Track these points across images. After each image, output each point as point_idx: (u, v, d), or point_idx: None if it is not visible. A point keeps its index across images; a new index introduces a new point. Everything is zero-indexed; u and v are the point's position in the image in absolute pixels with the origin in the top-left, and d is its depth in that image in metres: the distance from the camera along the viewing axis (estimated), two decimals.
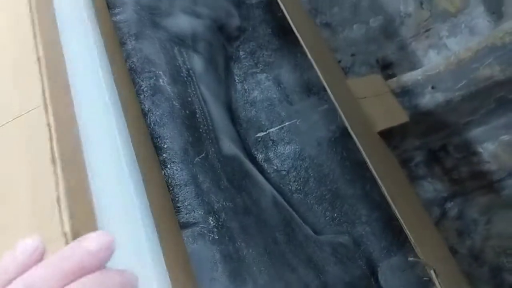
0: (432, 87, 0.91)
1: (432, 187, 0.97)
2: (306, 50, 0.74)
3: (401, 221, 0.59)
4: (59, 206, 0.39)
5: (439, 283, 0.55)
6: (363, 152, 0.64)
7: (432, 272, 0.57)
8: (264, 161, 0.85)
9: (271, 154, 0.86)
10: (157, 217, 0.52)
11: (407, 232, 0.59)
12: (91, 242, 0.28)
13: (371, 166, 0.63)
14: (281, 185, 0.81)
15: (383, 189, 0.62)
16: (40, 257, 0.29)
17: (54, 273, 0.27)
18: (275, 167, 0.84)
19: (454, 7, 1.17)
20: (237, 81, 0.94)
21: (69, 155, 0.46)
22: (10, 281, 0.28)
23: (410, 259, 0.61)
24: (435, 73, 0.93)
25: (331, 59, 0.97)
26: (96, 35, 0.67)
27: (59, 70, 0.59)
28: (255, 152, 0.85)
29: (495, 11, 1.11)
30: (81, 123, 0.55)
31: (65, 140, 0.49)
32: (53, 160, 0.44)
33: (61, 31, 0.64)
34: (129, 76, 0.67)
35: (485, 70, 0.91)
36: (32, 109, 0.56)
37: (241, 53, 0.97)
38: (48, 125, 0.49)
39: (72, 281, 0.27)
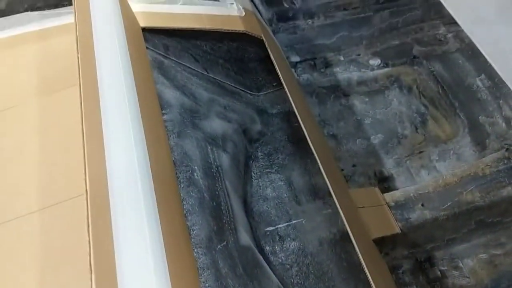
0: (422, 205, 1.05)
1: None
2: (318, 160, 0.88)
3: None
4: None
5: None
6: (360, 256, 0.76)
7: None
8: (270, 254, 0.96)
9: (277, 248, 0.97)
10: None
11: None
12: None
13: (366, 270, 0.75)
14: (284, 278, 0.92)
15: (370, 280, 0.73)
16: None
17: None
18: (280, 260, 0.95)
19: (445, 135, 1.35)
20: (253, 177, 1.07)
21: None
22: None
23: None
24: (425, 193, 1.07)
25: (336, 169, 1.12)
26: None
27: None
28: (264, 244, 0.97)
29: (480, 142, 1.29)
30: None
31: None
32: None
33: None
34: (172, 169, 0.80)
35: (468, 195, 1.06)
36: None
37: (260, 153, 1.11)
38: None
39: None
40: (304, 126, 1.04)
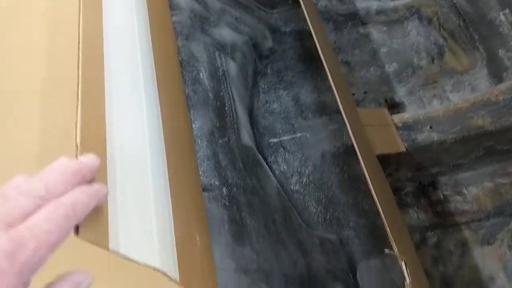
0: (430, 127, 1.04)
1: (416, 216, 1.07)
2: (329, 75, 0.87)
3: (385, 223, 0.70)
4: None
5: (407, 273, 0.66)
6: (363, 166, 0.76)
7: (402, 263, 0.68)
8: (272, 163, 0.97)
9: (279, 158, 0.97)
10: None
11: (388, 231, 0.70)
12: (81, 157, 0.37)
13: (368, 178, 0.75)
14: (284, 185, 0.93)
15: (375, 199, 0.74)
16: None
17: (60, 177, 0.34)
18: (282, 169, 0.96)
19: (462, 67, 1.31)
20: (261, 92, 1.07)
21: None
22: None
23: (386, 250, 0.71)
24: (434, 116, 1.06)
25: (347, 89, 1.10)
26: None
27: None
28: (267, 154, 0.97)
29: (497, 75, 1.25)
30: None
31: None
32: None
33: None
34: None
35: (478, 120, 1.04)
36: None
37: (269, 70, 1.11)
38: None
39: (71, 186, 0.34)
40: (319, 44, 1.02)
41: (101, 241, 0.37)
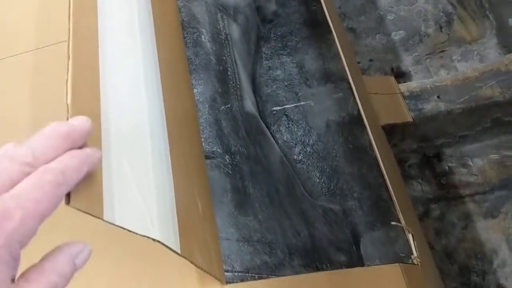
0: (438, 96, 1.01)
1: (420, 187, 1.05)
2: (336, 41, 0.83)
3: (393, 196, 0.68)
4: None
5: (414, 246, 0.64)
6: (371, 137, 0.73)
7: (410, 236, 0.66)
8: (275, 132, 0.94)
9: (282, 127, 0.94)
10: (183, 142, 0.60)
11: (396, 204, 0.68)
12: (71, 119, 0.33)
13: (375, 150, 0.72)
14: (287, 154, 0.90)
15: (383, 171, 0.71)
16: None
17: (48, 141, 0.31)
18: (285, 139, 0.93)
19: (471, 36, 1.27)
20: (264, 58, 1.03)
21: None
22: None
23: (392, 223, 0.69)
24: (442, 85, 1.02)
25: (353, 56, 1.07)
26: None
27: None
28: (269, 123, 0.94)
29: (507, 45, 1.22)
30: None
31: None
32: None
33: None
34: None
35: (487, 90, 1.01)
36: None
37: (272, 35, 1.06)
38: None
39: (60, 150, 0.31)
40: (326, 9, 0.98)
41: (95, 210, 0.34)
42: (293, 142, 0.93)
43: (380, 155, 0.82)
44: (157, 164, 0.45)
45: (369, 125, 0.90)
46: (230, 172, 0.69)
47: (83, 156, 0.32)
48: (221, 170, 0.68)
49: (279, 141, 0.92)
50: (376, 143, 0.85)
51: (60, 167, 0.30)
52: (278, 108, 0.98)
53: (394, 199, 0.70)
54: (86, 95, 0.39)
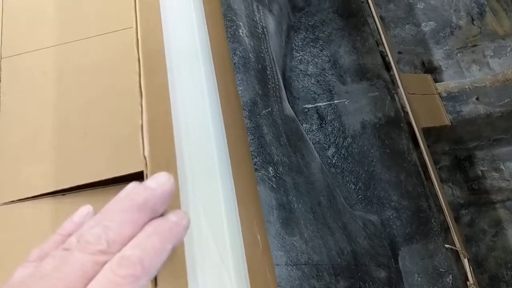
0: (477, 98, 0.96)
1: (451, 192, 1.01)
2: (381, 34, 0.77)
3: (446, 211, 0.64)
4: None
5: (471, 272, 0.60)
6: (420, 140, 0.68)
7: (466, 260, 0.62)
8: (308, 131, 0.88)
9: (315, 126, 0.89)
10: (234, 156, 0.55)
11: (449, 220, 0.64)
12: (150, 181, 0.27)
13: (425, 156, 0.67)
14: (321, 157, 0.85)
15: (433, 177, 0.66)
16: None
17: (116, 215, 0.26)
18: (317, 139, 0.88)
19: (504, 30, 1.21)
20: (294, 50, 0.97)
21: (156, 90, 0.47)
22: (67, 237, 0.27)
23: (446, 245, 0.65)
24: (481, 86, 0.97)
25: (394, 52, 1.01)
26: None
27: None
28: (301, 121, 0.89)
29: None
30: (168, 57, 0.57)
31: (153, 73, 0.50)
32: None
33: None
34: (222, 22, 0.69)
35: None
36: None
37: (303, 25, 1.00)
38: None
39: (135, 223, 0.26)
40: None
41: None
42: (326, 144, 0.88)
43: (427, 162, 0.77)
44: (227, 204, 0.40)
45: (414, 127, 0.85)
46: (275, 186, 0.63)
47: (165, 231, 0.26)
48: (266, 185, 0.62)
49: (312, 142, 0.87)
50: (423, 148, 0.80)
51: (138, 253, 0.24)
52: (310, 106, 0.92)
53: (451, 224, 0.65)
54: (162, 145, 0.33)
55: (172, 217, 0.27)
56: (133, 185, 0.27)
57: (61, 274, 0.24)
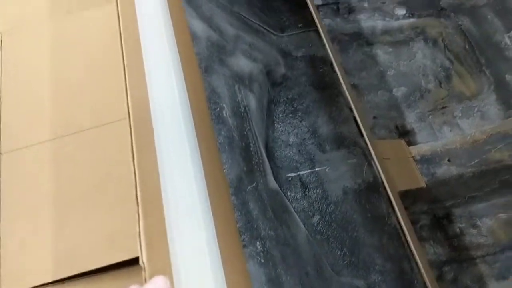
0: (449, 160, 1.02)
1: (433, 250, 1.05)
2: (352, 106, 0.83)
3: (424, 275, 0.67)
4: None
5: None
6: (395, 205, 0.73)
7: None
8: (292, 200, 0.92)
9: (299, 195, 0.93)
10: (222, 235, 0.59)
11: (428, 283, 0.67)
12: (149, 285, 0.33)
13: (401, 219, 0.72)
14: (306, 225, 0.89)
15: (410, 241, 0.71)
16: None
17: None
18: (302, 207, 0.92)
19: (470, 91, 1.30)
20: (275, 122, 1.03)
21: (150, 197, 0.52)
22: None
23: None
24: (452, 148, 1.04)
25: (365, 120, 1.07)
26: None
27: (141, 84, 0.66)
28: (285, 190, 0.93)
29: (505, 101, 1.25)
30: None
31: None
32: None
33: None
34: (206, 106, 0.75)
35: (496, 154, 1.02)
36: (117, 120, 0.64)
37: (282, 98, 1.06)
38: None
39: None
40: (339, 71, 0.99)
41: None
42: (311, 212, 0.92)
43: (402, 226, 0.82)
44: (215, 269, 0.44)
45: (387, 192, 0.90)
46: (263, 260, 0.67)
47: None
48: (255, 261, 0.66)
49: (297, 210, 0.91)
50: (398, 212, 0.84)
51: None
52: (293, 174, 0.97)
53: (426, 279, 0.69)
54: (157, 250, 0.37)
55: None
56: None
57: None
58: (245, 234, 0.68)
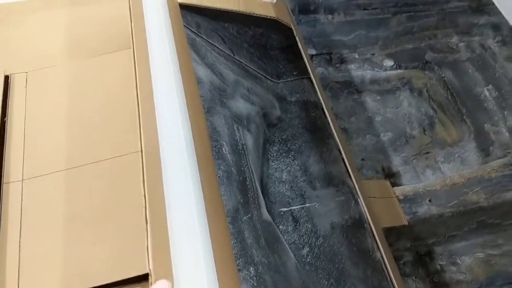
0: (429, 200, 1.10)
1: (415, 285, 1.12)
2: (341, 149, 0.92)
3: None
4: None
5: None
6: (379, 241, 0.80)
7: None
8: (284, 233, 0.99)
9: (290, 228, 1.01)
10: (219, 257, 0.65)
11: None
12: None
13: (382, 251, 0.79)
14: (296, 256, 0.96)
15: (391, 273, 0.77)
16: None
17: None
18: (293, 240, 0.99)
19: (451, 138, 1.40)
20: (270, 160, 1.11)
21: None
22: None
23: None
24: (433, 190, 1.12)
25: (352, 161, 1.16)
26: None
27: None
28: (278, 223, 1.00)
29: (484, 149, 1.34)
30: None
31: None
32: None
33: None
34: (209, 143, 0.83)
35: (473, 196, 1.11)
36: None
37: (277, 138, 1.15)
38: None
39: None
40: (329, 116, 1.08)
41: None
42: (301, 244, 0.99)
43: (385, 260, 0.89)
44: None
45: (372, 229, 0.97)
46: (256, 284, 0.73)
47: None
48: (248, 283, 0.72)
49: (288, 242, 0.98)
50: (381, 248, 0.92)
51: None
52: (285, 209, 1.04)
53: None
54: (160, 260, 0.45)
55: None
56: None
57: None
58: (240, 259, 0.75)
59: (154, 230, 0.48)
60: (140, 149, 0.62)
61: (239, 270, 0.74)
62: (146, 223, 0.51)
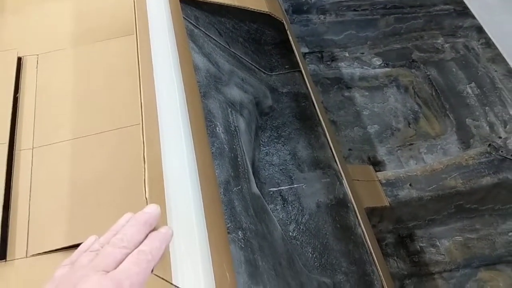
0: (410, 184, 1.17)
1: (396, 264, 1.19)
2: (327, 134, 0.99)
3: (381, 276, 0.81)
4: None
5: None
6: (358, 216, 0.87)
7: None
8: (273, 210, 1.07)
9: (279, 206, 1.08)
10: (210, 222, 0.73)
11: (381, 275, 0.81)
12: (146, 209, 0.46)
13: (363, 227, 0.86)
14: (284, 231, 1.03)
15: (370, 248, 0.85)
16: None
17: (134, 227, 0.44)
18: (281, 217, 1.06)
19: (435, 132, 1.48)
20: (261, 145, 1.18)
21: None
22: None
23: None
24: (413, 175, 1.19)
25: (338, 146, 1.24)
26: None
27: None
28: (267, 201, 1.07)
29: (465, 141, 1.42)
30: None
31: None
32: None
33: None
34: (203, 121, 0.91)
35: (451, 181, 1.18)
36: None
37: (268, 125, 1.23)
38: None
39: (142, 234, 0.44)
40: (318, 106, 1.16)
41: (168, 276, 0.48)
42: (288, 220, 1.06)
43: (365, 235, 0.96)
44: (202, 242, 0.58)
45: (354, 207, 1.04)
46: (243, 246, 0.80)
47: (161, 237, 0.45)
48: (236, 244, 0.79)
49: (277, 219, 1.05)
50: (361, 224, 0.99)
51: (149, 248, 0.43)
52: (275, 189, 1.12)
53: (383, 279, 0.83)
54: (156, 191, 0.53)
55: (162, 229, 0.46)
56: (138, 213, 0.46)
57: (96, 262, 0.40)
58: (230, 223, 0.82)
59: (151, 190, 0.55)
60: (140, 122, 0.69)
61: (228, 232, 0.81)
62: (144, 186, 0.57)
